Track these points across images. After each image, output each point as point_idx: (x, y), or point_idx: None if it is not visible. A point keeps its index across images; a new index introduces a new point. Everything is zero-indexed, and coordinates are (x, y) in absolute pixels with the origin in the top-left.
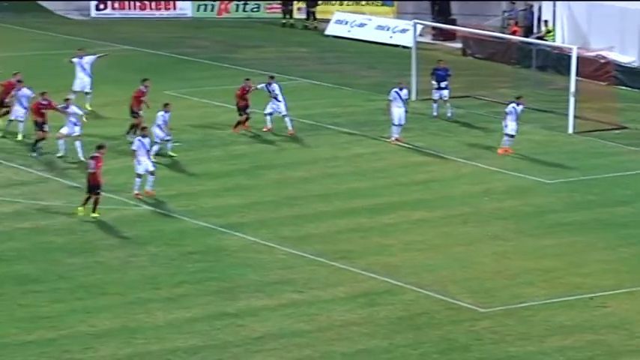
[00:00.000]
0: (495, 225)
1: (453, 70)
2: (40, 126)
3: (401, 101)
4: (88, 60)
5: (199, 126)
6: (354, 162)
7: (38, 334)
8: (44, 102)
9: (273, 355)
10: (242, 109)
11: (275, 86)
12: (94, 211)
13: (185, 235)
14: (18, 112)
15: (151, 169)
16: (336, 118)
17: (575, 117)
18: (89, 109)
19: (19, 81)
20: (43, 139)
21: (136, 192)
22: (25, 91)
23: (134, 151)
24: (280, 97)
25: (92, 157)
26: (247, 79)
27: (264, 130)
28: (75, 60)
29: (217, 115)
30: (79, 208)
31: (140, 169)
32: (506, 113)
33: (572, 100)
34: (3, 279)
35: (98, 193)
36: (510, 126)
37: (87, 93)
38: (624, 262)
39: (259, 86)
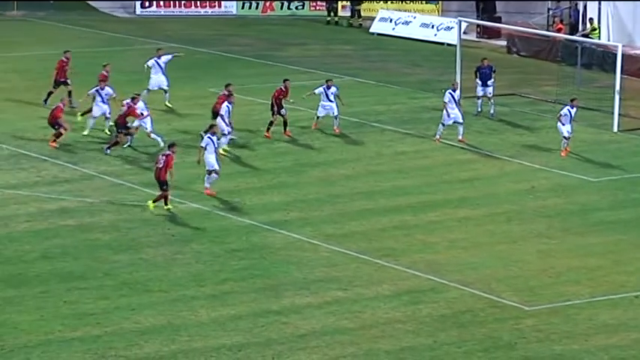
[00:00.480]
0: (540, 223)
1: (497, 67)
2: (123, 128)
3: (454, 102)
4: (164, 59)
5: (244, 123)
6: (397, 160)
7: (83, 330)
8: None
9: (317, 352)
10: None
11: (334, 89)
12: (166, 204)
13: (229, 233)
14: (103, 109)
15: (217, 167)
16: (380, 115)
17: (620, 115)
18: (169, 105)
19: (104, 77)
20: (119, 143)
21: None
22: (108, 89)
23: (203, 148)
24: (333, 98)
25: (164, 155)
26: (286, 80)
27: (313, 127)
28: (150, 62)
29: (261, 113)
30: (150, 202)
31: (212, 167)
32: (561, 115)
33: (617, 98)
34: (48, 276)
35: (165, 190)
36: (565, 128)
37: (165, 91)
38: None
39: (316, 91)
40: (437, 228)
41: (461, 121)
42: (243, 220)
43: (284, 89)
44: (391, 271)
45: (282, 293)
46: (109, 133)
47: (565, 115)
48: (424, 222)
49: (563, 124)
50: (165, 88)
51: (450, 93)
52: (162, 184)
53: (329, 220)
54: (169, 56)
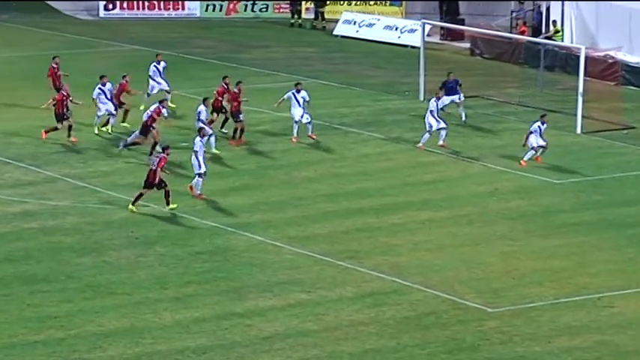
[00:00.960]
0: (503, 225)
1: (461, 69)
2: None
3: (437, 112)
4: (164, 65)
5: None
6: (361, 162)
7: (46, 333)
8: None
9: (281, 355)
10: (219, 110)
11: (304, 93)
12: (168, 204)
13: (193, 235)
14: (107, 106)
15: (205, 169)
16: (344, 118)
17: (583, 117)
18: (173, 106)
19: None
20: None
21: (198, 192)
22: (109, 85)
23: (196, 151)
24: (302, 104)
25: (158, 156)
26: (226, 77)
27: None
28: (153, 69)
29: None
30: (131, 207)
31: (202, 169)
32: (531, 132)
33: (580, 100)
34: (11, 279)
35: (165, 187)
36: (534, 140)
37: (168, 92)
38: (631, 262)
39: (285, 96)
40: (400, 230)
41: (445, 126)
42: (206, 223)
43: (225, 86)
44: (354, 274)
45: (246, 295)
46: (110, 132)
47: (535, 131)
48: (387, 224)
49: (532, 138)
50: (168, 89)
51: (435, 101)
52: (159, 184)
53: (292, 223)
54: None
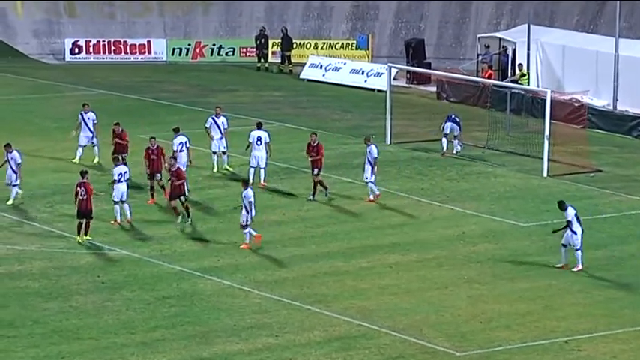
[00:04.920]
0: (470, 268)
1: (427, 113)
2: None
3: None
4: (223, 121)
5: None
6: (328, 205)
7: None
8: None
9: None
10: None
11: (259, 134)
12: (86, 234)
13: (160, 279)
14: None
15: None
16: None
17: (550, 160)
18: (229, 169)
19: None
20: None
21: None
22: (92, 114)
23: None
24: (257, 146)
25: (81, 185)
26: (152, 138)
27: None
28: (209, 123)
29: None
30: (78, 238)
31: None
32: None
33: (546, 143)
34: None
35: (91, 218)
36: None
37: (223, 152)
38: (599, 305)
39: (250, 139)
40: (368, 274)
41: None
42: (173, 267)
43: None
44: (322, 317)
45: (213, 340)
46: (96, 162)
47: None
48: (355, 268)
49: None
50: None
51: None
52: (90, 214)
53: (260, 266)
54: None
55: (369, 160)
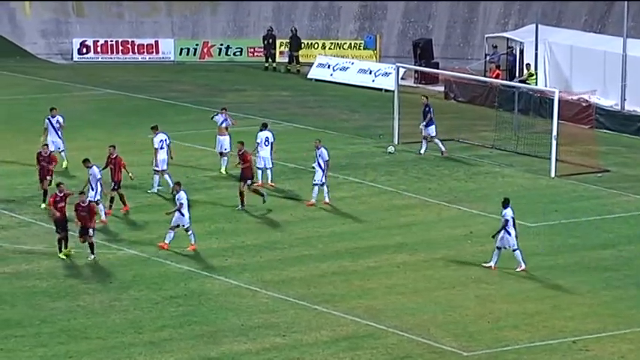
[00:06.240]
0: (478, 268)
1: (435, 113)
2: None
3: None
4: (58, 119)
5: (182, 169)
6: (336, 205)
7: None
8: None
9: None
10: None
11: (267, 135)
12: (66, 247)
13: (167, 279)
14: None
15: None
16: None
17: (558, 160)
18: (223, 172)
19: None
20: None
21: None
22: (59, 118)
23: (182, 204)
24: (265, 146)
25: (62, 196)
26: (112, 146)
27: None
28: (218, 118)
29: (199, 159)
30: (60, 254)
31: (186, 223)
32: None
33: (554, 143)
34: None
35: (67, 231)
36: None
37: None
38: (607, 305)
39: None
40: (375, 273)
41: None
42: (181, 267)
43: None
44: (330, 317)
45: (221, 340)
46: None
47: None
48: (362, 268)
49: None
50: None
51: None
52: (66, 225)
53: (267, 266)
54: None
55: (319, 163)
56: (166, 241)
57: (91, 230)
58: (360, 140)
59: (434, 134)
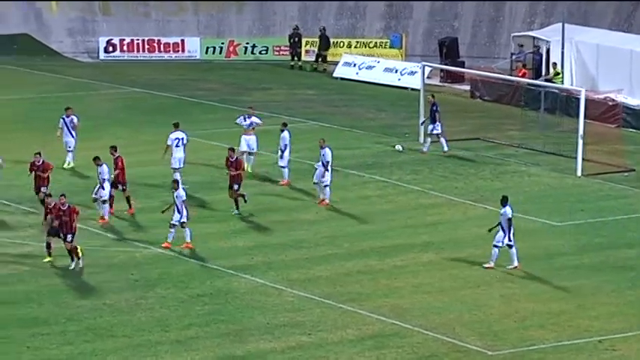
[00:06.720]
0: (503, 268)
1: (461, 112)
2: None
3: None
4: (255, 120)
5: (207, 168)
6: (361, 204)
7: None
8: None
9: None
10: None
11: (286, 134)
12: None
13: (193, 278)
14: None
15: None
16: (344, 160)
17: (584, 159)
18: (249, 170)
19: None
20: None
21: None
22: (73, 118)
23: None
24: (284, 147)
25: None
26: (112, 147)
27: (282, 184)
28: (240, 121)
29: (224, 158)
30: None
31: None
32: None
33: (580, 142)
34: (11, 321)
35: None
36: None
37: (250, 153)
38: (632, 305)
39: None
40: (402, 272)
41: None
42: (207, 265)
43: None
44: (355, 316)
45: (247, 338)
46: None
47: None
48: (389, 266)
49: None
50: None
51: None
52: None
53: (293, 265)
54: (258, 120)
55: (322, 163)
56: (189, 240)
57: (69, 236)
58: (386, 139)
59: (439, 132)
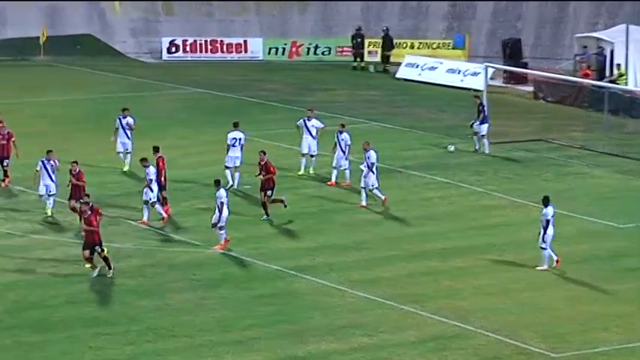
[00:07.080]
0: (566, 269)
1: (524, 113)
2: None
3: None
4: (314, 124)
5: None
6: (423, 205)
7: None
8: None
9: None
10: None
11: (346, 135)
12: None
13: (255, 278)
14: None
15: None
16: (407, 161)
17: None
18: (311, 172)
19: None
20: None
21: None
22: (129, 119)
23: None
24: (345, 148)
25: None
26: (155, 148)
27: (329, 184)
28: (300, 123)
29: (287, 158)
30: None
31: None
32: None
33: None
34: (74, 321)
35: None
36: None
37: (312, 155)
38: None
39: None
40: (463, 274)
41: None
42: (269, 266)
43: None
44: (417, 317)
45: (308, 339)
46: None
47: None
48: (450, 268)
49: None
50: (314, 153)
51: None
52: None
53: (355, 266)
54: (320, 123)
55: (367, 166)
56: (222, 242)
57: (97, 247)
58: (448, 140)
59: (484, 133)
